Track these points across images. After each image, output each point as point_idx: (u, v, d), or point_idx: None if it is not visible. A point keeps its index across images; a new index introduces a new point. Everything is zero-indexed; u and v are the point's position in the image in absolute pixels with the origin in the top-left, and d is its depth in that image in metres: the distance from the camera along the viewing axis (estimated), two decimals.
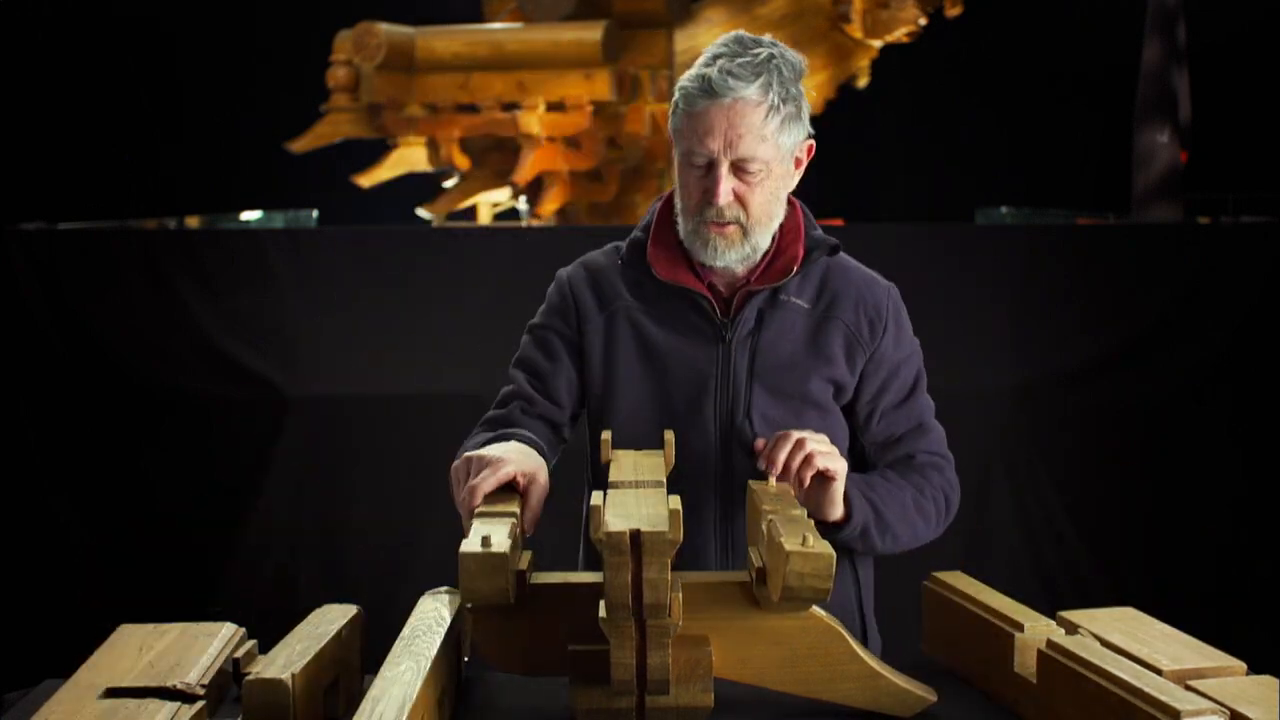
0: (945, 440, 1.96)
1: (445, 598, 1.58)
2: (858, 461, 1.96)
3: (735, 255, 1.83)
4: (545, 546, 1.76)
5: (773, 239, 1.88)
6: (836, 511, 1.74)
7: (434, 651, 1.39)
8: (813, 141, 1.86)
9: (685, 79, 1.79)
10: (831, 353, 1.87)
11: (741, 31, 1.83)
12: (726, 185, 1.77)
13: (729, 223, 1.80)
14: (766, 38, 1.82)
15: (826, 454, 1.69)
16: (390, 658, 1.37)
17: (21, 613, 3.88)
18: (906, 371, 1.93)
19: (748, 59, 1.76)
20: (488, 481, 1.58)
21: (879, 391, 1.91)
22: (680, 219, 1.86)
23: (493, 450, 1.66)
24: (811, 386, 1.86)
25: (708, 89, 1.76)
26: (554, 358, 1.91)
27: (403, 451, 3.95)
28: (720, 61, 1.76)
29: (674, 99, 1.82)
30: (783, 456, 1.67)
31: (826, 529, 1.73)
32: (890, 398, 1.91)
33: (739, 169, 1.78)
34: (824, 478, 1.70)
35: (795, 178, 1.88)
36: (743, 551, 1.83)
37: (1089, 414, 4.09)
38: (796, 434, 1.69)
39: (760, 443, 1.74)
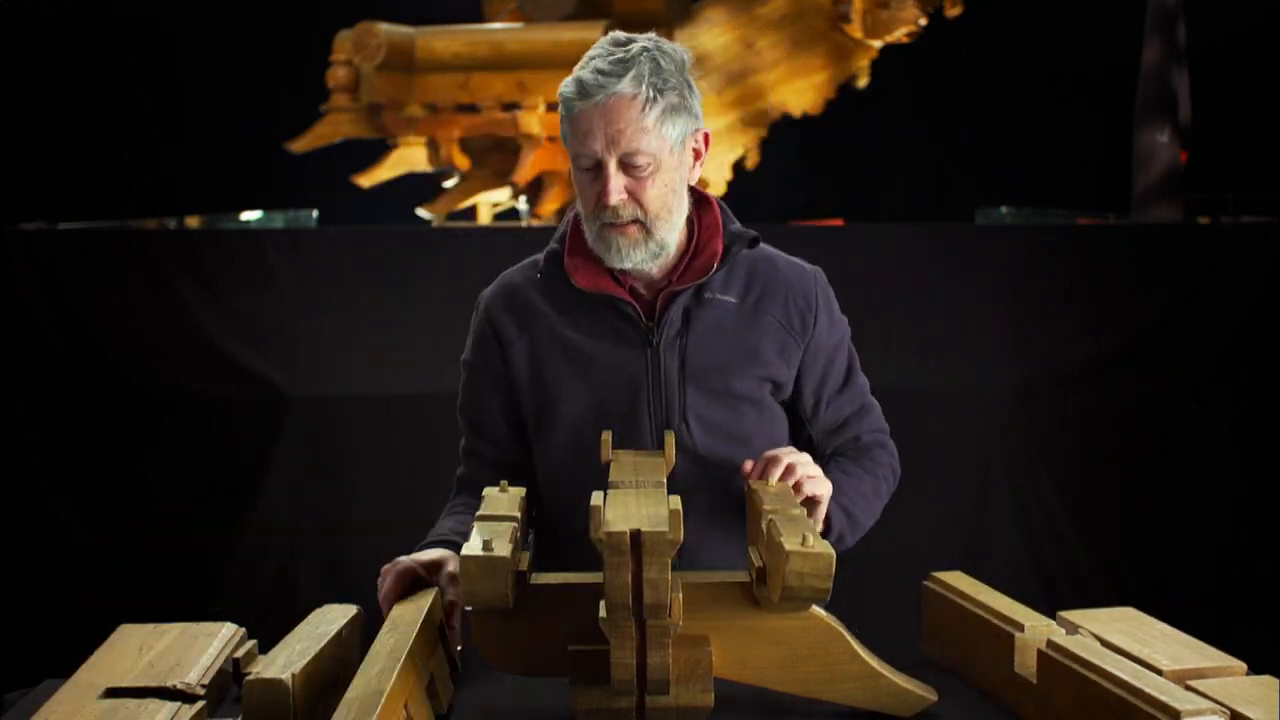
0: (881, 410, 2.00)
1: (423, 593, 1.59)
2: (803, 449, 1.96)
3: (641, 254, 1.81)
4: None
5: (691, 237, 1.88)
6: (818, 529, 1.74)
7: (409, 644, 1.39)
8: (707, 131, 1.85)
9: (563, 85, 1.79)
10: (763, 350, 1.86)
11: (618, 32, 1.83)
12: (617, 183, 1.76)
13: (628, 222, 1.78)
14: (644, 34, 1.82)
15: (814, 478, 1.70)
16: (369, 658, 1.37)
17: (21, 613, 3.88)
18: (841, 356, 1.95)
19: (618, 56, 1.76)
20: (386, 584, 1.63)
21: (821, 381, 1.92)
22: (585, 226, 1.84)
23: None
24: (746, 384, 1.86)
25: (583, 91, 1.75)
26: (484, 402, 1.93)
27: (403, 451, 3.94)
28: (593, 62, 1.77)
29: (560, 108, 1.80)
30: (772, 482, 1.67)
31: None
32: (832, 385, 1.93)
33: (627, 166, 1.76)
34: (812, 502, 1.70)
35: (695, 170, 1.86)
36: (685, 558, 1.80)
37: (1089, 414, 4.08)
38: (786, 459, 1.69)
39: (748, 465, 1.73)
